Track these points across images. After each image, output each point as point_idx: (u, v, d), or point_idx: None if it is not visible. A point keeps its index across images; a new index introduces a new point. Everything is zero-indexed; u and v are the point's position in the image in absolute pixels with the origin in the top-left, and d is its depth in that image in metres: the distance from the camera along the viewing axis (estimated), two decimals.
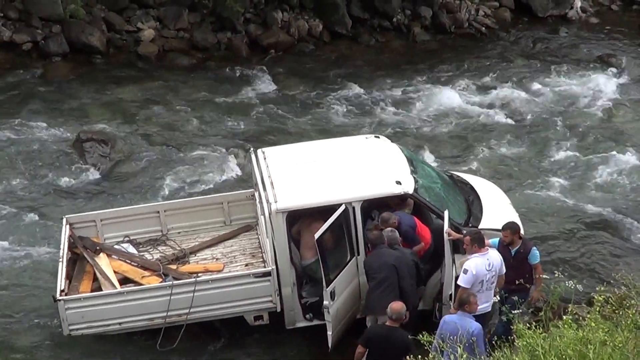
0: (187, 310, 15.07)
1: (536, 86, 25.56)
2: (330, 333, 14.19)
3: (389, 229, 14.58)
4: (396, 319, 13.08)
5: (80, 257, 16.32)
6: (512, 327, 10.91)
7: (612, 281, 11.69)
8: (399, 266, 14.14)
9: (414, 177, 15.38)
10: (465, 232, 14.46)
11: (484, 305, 13.85)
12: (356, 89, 25.39)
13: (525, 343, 9.57)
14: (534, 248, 14.35)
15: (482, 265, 13.71)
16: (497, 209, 16.19)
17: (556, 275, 13.22)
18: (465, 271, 13.71)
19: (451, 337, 11.64)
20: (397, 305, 13.15)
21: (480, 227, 15.31)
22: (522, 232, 14.79)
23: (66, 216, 16.94)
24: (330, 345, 14.33)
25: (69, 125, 23.19)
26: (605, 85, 25.48)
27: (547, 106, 24.41)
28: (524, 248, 14.27)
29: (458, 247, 14.86)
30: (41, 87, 25.37)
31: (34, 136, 22.69)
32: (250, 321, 15.48)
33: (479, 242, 13.87)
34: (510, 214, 15.90)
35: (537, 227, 18.48)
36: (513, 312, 11.41)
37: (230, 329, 15.81)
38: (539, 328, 9.88)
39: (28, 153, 21.95)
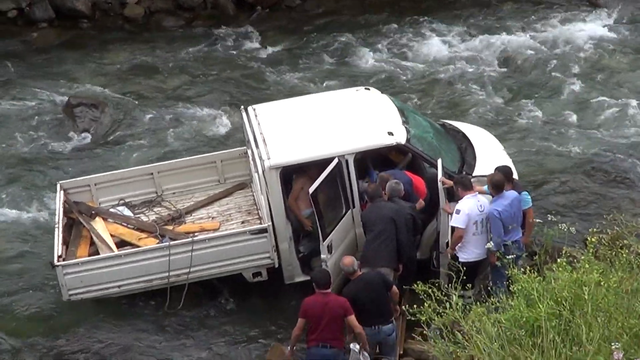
0: (186, 270, 15.14)
1: (524, 31, 25.27)
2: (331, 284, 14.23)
3: (394, 181, 14.57)
4: (354, 271, 13.31)
5: (76, 222, 16.34)
6: (507, 272, 10.92)
7: (604, 222, 11.68)
8: (397, 219, 14.17)
9: (406, 128, 15.39)
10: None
11: (480, 251, 13.93)
12: (345, 42, 25.19)
13: (520, 287, 9.58)
14: (525, 193, 14.38)
15: (473, 206, 13.84)
16: (491, 155, 16.19)
17: (549, 218, 13.25)
18: (458, 211, 13.85)
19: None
20: (347, 260, 13.36)
21: (474, 174, 15.41)
22: (515, 176, 14.81)
23: (60, 182, 16.96)
24: None
25: (59, 91, 23.06)
26: (593, 27, 25.23)
27: (537, 51, 24.19)
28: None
29: (453, 195, 14.92)
30: (29, 54, 25.23)
31: (23, 103, 22.60)
32: (248, 278, 15.54)
33: (462, 185, 14.05)
34: (504, 160, 15.88)
35: (530, 172, 18.42)
36: (507, 257, 11.42)
37: (229, 287, 15.88)
38: (534, 272, 9.89)
39: (18, 120, 21.90)
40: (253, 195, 16.95)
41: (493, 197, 13.96)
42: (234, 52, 25.06)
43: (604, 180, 18.46)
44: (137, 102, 22.56)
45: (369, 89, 16.99)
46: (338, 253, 14.50)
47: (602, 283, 9.01)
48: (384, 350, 13.37)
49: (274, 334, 14.67)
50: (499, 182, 13.91)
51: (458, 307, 9.26)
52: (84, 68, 24.36)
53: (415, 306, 10.28)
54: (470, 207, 13.83)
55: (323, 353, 12.88)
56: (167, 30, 26.51)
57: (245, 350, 14.90)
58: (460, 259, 13.74)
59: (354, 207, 15.02)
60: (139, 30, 26.60)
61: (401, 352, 13.90)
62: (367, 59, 24.32)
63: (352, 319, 12.83)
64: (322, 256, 14.22)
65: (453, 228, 14.04)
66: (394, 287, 13.36)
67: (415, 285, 10.66)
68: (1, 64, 24.69)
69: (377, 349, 13.47)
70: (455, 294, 9.38)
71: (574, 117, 20.95)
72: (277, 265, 15.38)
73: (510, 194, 13.94)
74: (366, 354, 13.02)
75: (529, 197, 14.49)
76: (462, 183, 14.09)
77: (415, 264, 14.64)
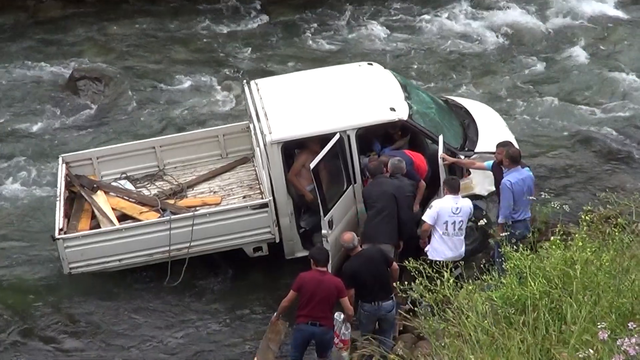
0: (186, 245, 15.14)
1: (533, 7, 25.21)
2: (330, 262, 14.21)
3: (397, 158, 14.57)
4: (354, 247, 13.31)
5: (78, 195, 16.35)
6: (500, 250, 10.89)
7: (596, 200, 11.60)
8: (398, 196, 14.20)
9: (408, 103, 15.34)
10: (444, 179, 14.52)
11: (450, 254, 13.72)
12: (350, 16, 25.08)
13: (512, 265, 9.52)
14: (526, 168, 14.32)
15: (447, 206, 13.84)
16: (493, 131, 16.14)
17: (542, 195, 13.24)
18: (430, 207, 13.97)
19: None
20: (347, 236, 13.38)
21: (476, 150, 15.40)
22: None
23: (62, 155, 16.94)
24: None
25: (62, 65, 23.06)
26: (599, 4, 25.12)
27: (543, 27, 24.10)
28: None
29: (454, 172, 14.92)
30: (32, 28, 25.14)
31: (27, 76, 22.61)
32: (249, 253, 15.55)
33: (448, 185, 14.04)
34: (506, 136, 15.84)
35: (532, 149, 18.38)
36: (501, 234, 11.38)
37: (230, 262, 15.91)
38: (527, 250, 9.81)
39: (22, 93, 21.92)
40: (255, 170, 16.93)
41: (508, 169, 13.92)
42: (239, 26, 24.96)
43: (603, 157, 18.36)
44: (140, 76, 22.55)
45: (371, 64, 16.94)
46: (339, 229, 14.47)
47: (594, 261, 8.96)
48: (384, 327, 13.34)
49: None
50: (515, 153, 13.99)
51: (449, 284, 9.19)
52: (88, 41, 24.29)
53: (406, 283, 10.20)
54: (443, 205, 13.86)
55: (312, 330, 12.91)
56: (172, 4, 26.30)
57: (245, 325, 14.93)
58: (429, 256, 13.76)
59: (355, 182, 15.00)
60: (143, 3, 26.40)
61: (401, 329, 13.89)
62: (371, 34, 24.22)
63: (346, 300, 12.87)
64: (323, 232, 14.20)
65: None
66: (394, 264, 13.33)
67: (407, 262, 10.55)
68: (5, 37, 24.65)
69: (376, 326, 13.46)
70: (446, 271, 9.30)
71: (577, 93, 20.93)
72: (278, 240, 15.37)
73: (525, 172, 13.95)
74: (348, 324, 13.08)
75: (531, 173, 14.45)
76: (448, 184, 14.11)
77: (416, 241, 14.61)
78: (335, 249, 14.24)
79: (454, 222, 13.77)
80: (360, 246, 13.58)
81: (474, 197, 15.23)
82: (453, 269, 13.20)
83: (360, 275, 13.06)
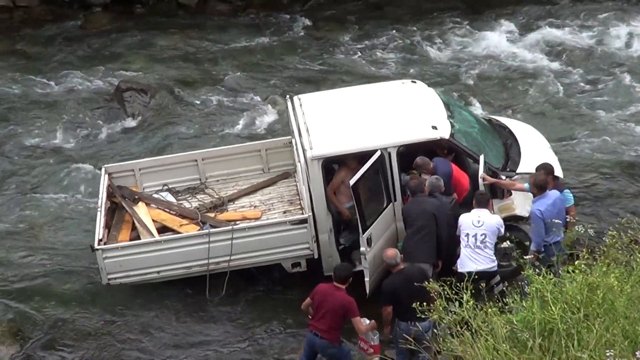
0: (225, 258, 15.14)
1: (584, 28, 25.00)
2: (368, 279, 14.14)
3: (435, 176, 14.50)
4: (396, 264, 13.25)
5: (119, 206, 16.41)
6: (522, 272, 10.77)
7: (617, 225, 11.37)
8: (438, 215, 14.13)
9: (451, 122, 15.27)
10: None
11: (474, 266, 13.61)
12: (396, 34, 25.09)
13: (535, 289, 9.39)
14: (567, 191, 14.26)
15: (469, 219, 13.90)
16: (536, 152, 15.98)
17: (568, 219, 13.12)
18: None
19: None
20: (390, 252, 13.35)
21: (518, 171, 15.29)
22: (560, 174, 14.65)
23: (105, 166, 17.03)
24: (368, 291, 14.27)
25: (109, 75, 23.35)
26: None
27: (596, 48, 23.89)
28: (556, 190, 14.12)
29: (496, 192, 14.80)
30: (82, 38, 25.53)
31: (74, 86, 22.89)
32: (287, 268, 15.52)
33: (476, 200, 14.12)
34: (549, 158, 15.66)
35: (575, 170, 18.19)
36: (524, 257, 11.24)
37: (268, 277, 15.90)
38: (550, 273, 9.68)
39: (68, 103, 22.13)
40: (296, 185, 16.90)
41: (535, 196, 13.83)
42: (285, 41, 25.12)
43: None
44: (185, 89, 22.70)
45: (415, 82, 16.86)
46: (378, 246, 14.40)
47: (615, 287, 8.81)
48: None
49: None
50: (542, 182, 13.86)
51: (469, 306, 9.07)
52: (135, 53, 24.56)
53: (425, 304, 10.12)
54: (465, 217, 13.93)
55: (313, 340, 13.07)
56: (220, 18, 26.61)
57: (281, 341, 14.86)
58: (457, 269, 13.81)
59: (395, 200, 14.93)
60: (191, 16, 26.76)
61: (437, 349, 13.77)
62: (418, 51, 24.20)
63: (356, 320, 12.92)
64: (362, 249, 14.15)
65: None
66: None
67: (426, 283, 10.48)
68: (54, 47, 25.04)
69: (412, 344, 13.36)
70: (466, 293, 9.18)
71: (623, 116, 20.71)
72: (316, 257, 15.30)
73: (553, 194, 13.83)
74: (376, 331, 13.14)
75: (571, 195, 14.39)
76: (476, 197, 14.20)
77: (455, 259, 14.52)
78: (373, 266, 14.18)
79: (475, 235, 13.73)
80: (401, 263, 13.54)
81: (515, 219, 15.15)
82: (495, 285, 13.23)
83: (398, 293, 12.99)
